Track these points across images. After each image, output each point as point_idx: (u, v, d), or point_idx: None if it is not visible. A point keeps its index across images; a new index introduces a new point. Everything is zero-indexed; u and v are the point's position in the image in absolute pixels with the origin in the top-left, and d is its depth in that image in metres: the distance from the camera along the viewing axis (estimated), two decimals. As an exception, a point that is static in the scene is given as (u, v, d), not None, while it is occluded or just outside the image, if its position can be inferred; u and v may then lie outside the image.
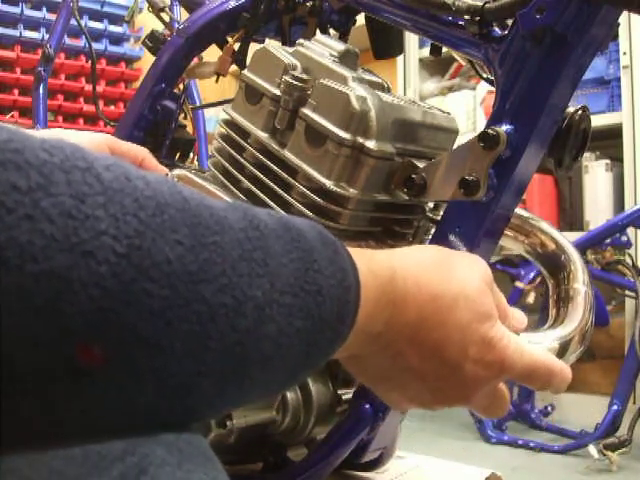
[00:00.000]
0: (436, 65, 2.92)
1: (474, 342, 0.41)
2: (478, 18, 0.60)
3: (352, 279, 0.36)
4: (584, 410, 2.15)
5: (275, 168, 0.65)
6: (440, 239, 0.64)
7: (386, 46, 0.89)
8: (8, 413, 0.24)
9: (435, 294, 0.41)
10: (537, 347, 0.45)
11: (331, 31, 0.88)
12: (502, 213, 0.61)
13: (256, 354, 0.30)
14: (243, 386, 0.31)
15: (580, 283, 0.60)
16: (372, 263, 0.39)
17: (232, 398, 0.31)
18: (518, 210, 0.67)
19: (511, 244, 0.67)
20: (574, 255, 0.62)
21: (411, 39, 2.78)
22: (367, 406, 0.66)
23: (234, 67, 0.90)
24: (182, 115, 0.99)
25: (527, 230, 0.66)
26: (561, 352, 0.51)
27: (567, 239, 0.64)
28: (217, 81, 0.93)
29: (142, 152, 0.71)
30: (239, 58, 0.89)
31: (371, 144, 0.60)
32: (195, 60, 0.96)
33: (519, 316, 0.48)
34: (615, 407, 1.84)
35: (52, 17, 2.37)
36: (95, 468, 0.26)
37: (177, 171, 0.72)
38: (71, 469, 0.26)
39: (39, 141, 0.25)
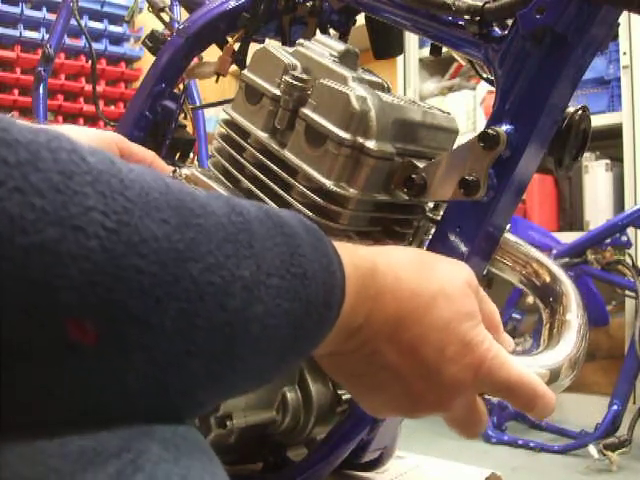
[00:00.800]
0: (436, 65, 2.92)
1: (452, 342, 0.40)
2: (478, 18, 0.60)
3: (336, 266, 0.36)
4: (584, 410, 2.15)
5: (275, 168, 0.65)
6: (440, 239, 0.64)
7: (386, 46, 0.89)
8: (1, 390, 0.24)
9: (414, 291, 0.40)
10: (524, 366, 0.44)
11: (331, 31, 0.88)
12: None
13: (245, 335, 0.30)
14: (234, 368, 0.31)
15: (574, 314, 0.60)
16: (354, 256, 0.38)
17: (224, 381, 0.31)
18: (515, 239, 0.68)
19: (507, 274, 0.68)
20: (569, 286, 0.63)
21: (411, 39, 2.78)
22: (367, 406, 0.66)
23: (234, 67, 0.90)
24: (182, 115, 0.99)
25: (523, 260, 0.66)
26: (551, 379, 0.51)
27: (562, 271, 0.65)
28: (217, 81, 0.93)
29: (150, 154, 0.71)
30: (239, 58, 0.89)
31: (371, 144, 0.60)
32: (195, 60, 0.96)
33: (507, 339, 0.47)
34: (615, 407, 1.84)
35: (52, 17, 2.37)
36: (91, 464, 0.26)
37: (185, 170, 0.72)
38: (67, 466, 0.26)
39: (25, 124, 0.25)
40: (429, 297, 0.40)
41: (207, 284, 0.28)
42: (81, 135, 0.59)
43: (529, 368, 0.48)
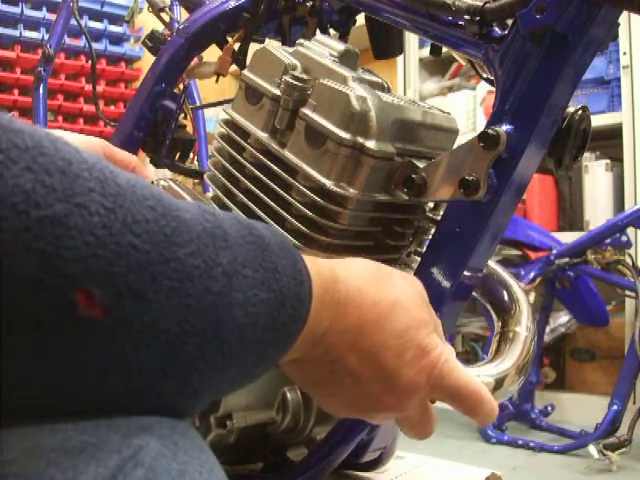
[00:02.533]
0: (436, 65, 2.92)
1: (410, 348, 0.43)
2: (478, 18, 0.60)
3: (302, 265, 0.39)
4: (584, 410, 2.16)
5: (275, 168, 0.65)
6: (440, 239, 0.64)
7: (386, 46, 0.89)
8: (12, 367, 0.26)
9: (374, 301, 0.43)
10: (468, 371, 0.47)
11: (331, 31, 0.88)
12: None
13: (230, 320, 0.33)
14: (223, 353, 0.33)
15: (523, 327, 0.63)
16: (314, 263, 0.40)
17: (216, 368, 0.33)
18: None
19: None
20: (522, 300, 0.66)
21: (411, 39, 2.79)
22: (367, 406, 0.66)
23: (234, 67, 0.90)
24: (182, 115, 0.98)
25: (483, 275, 0.69)
26: (496, 387, 0.56)
27: (522, 289, 0.69)
28: (217, 81, 0.93)
29: (134, 160, 0.74)
30: (239, 58, 0.89)
31: (371, 144, 0.60)
32: (195, 60, 0.96)
33: (449, 347, 0.50)
34: (615, 407, 1.84)
35: (52, 17, 2.37)
36: (92, 458, 0.27)
37: (162, 182, 0.74)
38: (68, 460, 0.27)
39: (22, 121, 0.28)
40: (388, 306, 0.43)
41: (193, 267, 0.31)
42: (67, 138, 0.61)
43: (479, 375, 0.54)
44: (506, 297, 0.68)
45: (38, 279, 0.26)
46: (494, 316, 0.67)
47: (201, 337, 0.31)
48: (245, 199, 0.67)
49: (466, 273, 0.63)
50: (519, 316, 0.65)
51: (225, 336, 0.33)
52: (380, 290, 0.44)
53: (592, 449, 1.76)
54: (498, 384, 0.56)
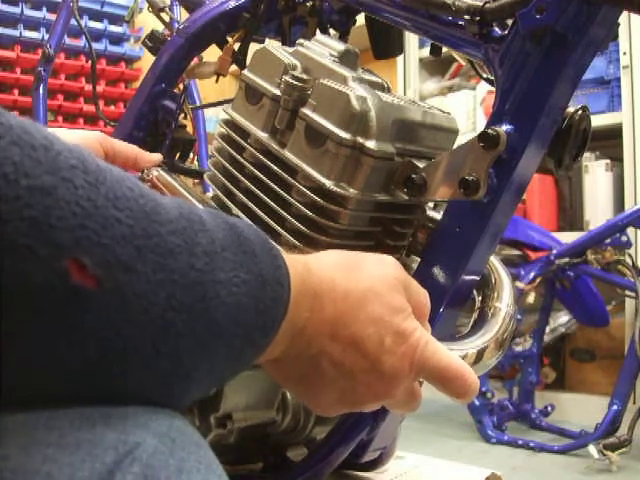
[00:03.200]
0: (436, 65, 2.92)
1: (388, 334, 0.44)
2: (478, 18, 0.60)
3: (278, 251, 0.40)
4: (584, 410, 2.15)
5: (275, 168, 0.65)
6: (440, 239, 0.64)
7: (386, 46, 0.89)
8: (12, 348, 0.27)
9: (347, 291, 0.43)
10: (452, 353, 0.47)
11: (331, 31, 0.88)
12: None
13: (216, 298, 0.34)
14: (212, 331, 0.34)
15: (503, 303, 0.64)
16: (288, 257, 0.41)
17: (206, 349, 0.34)
18: None
19: None
20: (504, 280, 0.67)
21: (411, 39, 2.78)
22: (367, 406, 0.66)
23: (234, 67, 0.90)
24: (182, 115, 0.98)
25: None
26: (477, 359, 0.56)
27: (506, 268, 0.70)
28: (217, 81, 0.93)
29: (135, 148, 0.75)
30: (239, 58, 0.89)
31: (371, 144, 0.60)
32: (195, 60, 0.96)
33: (428, 326, 0.50)
34: (615, 407, 1.84)
35: (52, 17, 2.37)
36: (88, 455, 0.27)
37: (153, 171, 0.74)
38: (65, 456, 0.27)
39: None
40: (361, 295, 0.44)
41: (174, 245, 0.32)
42: (66, 135, 0.61)
43: (458, 349, 0.54)
44: (487, 272, 0.67)
45: (31, 247, 0.27)
46: (474, 291, 0.67)
47: (189, 313, 0.32)
48: (245, 199, 0.67)
49: (466, 273, 0.63)
50: (500, 292, 0.65)
51: (212, 314, 0.33)
52: (352, 280, 0.44)
53: (592, 449, 1.76)
54: (478, 357, 0.56)
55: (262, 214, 0.65)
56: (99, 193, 0.29)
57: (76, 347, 0.29)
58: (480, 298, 0.66)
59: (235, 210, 0.68)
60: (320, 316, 0.42)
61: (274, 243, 0.40)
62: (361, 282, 0.44)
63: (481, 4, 0.59)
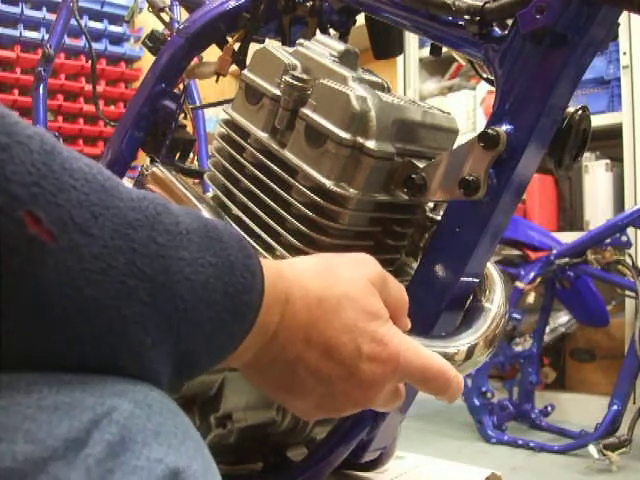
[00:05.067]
0: (436, 65, 2.92)
1: (365, 341, 0.43)
2: (478, 18, 0.60)
3: (247, 243, 0.39)
4: (584, 410, 2.15)
5: (275, 168, 0.65)
6: (440, 239, 0.64)
7: (386, 46, 0.89)
8: None
9: (320, 298, 0.43)
10: (433, 352, 0.47)
11: (331, 31, 0.88)
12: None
13: (178, 272, 0.34)
14: (175, 302, 0.34)
15: (493, 302, 0.64)
16: (261, 261, 0.40)
17: (169, 318, 0.34)
18: None
19: None
20: (497, 279, 0.67)
21: (411, 39, 2.78)
22: (367, 406, 0.66)
23: (234, 67, 0.90)
24: (182, 115, 0.98)
25: None
26: (467, 356, 0.56)
27: (497, 267, 0.69)
28: (217, 81, 0.93)
29: None
30: (239, 58, 0.89)
31: (371, 144, 0.60)
32: (195, 60, 0.96)
33: (406, 321, 0.50)
34: (615, 407, 1.84)
35: (52, 17, 2.37)
36: (66, 415, 0.28)
37: (152, 167, 0.74)
38: (43, 415, 0.28)
39: None
40: (334, 301, 0.43)
41: (134, 219, 0.33)
42: None
43: (448, 346, 0.54)
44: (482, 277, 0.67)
45: None
46: None
47: (152, 283, 0.33)
48: (245, 199, 0.67)
49: (466, 273, 0.63)
50: (490, 290, 0.65)
51: (176, 287, 0.34)
52: (325, 286, 0.43)
53: (592, 449, 1.76)
54: (469, 354, 0.56)
55: (262, 214, 0.65)
56: (54, 161, 0.30)
57: (39, 300, 0.29)
58: (471, 297, 0.66)
59: (235, 210, 0.68)
60: (293, 322, 0.42)
61: (242, 235, 0.40)
62: (335, 287, 0.44)
63: (481, 4, 0.59)
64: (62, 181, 0.30)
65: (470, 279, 0.64)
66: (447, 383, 0.46)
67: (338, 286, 0.44)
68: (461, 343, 0.57)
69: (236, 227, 0.66)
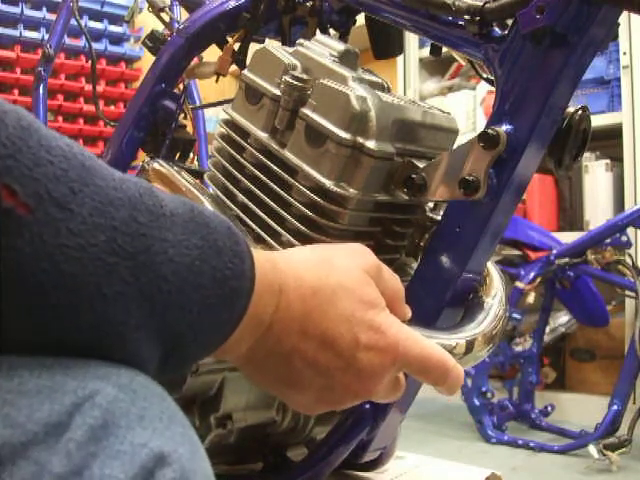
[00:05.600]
0: (436, 65, 2.92)
1: (363, 330, 0.43)
2: (478, 18, 0.60)
3: (236, 229, 0.39)
4: (584, 410, 2.15)
5: (275, 168, 0.65)
6: (440, 239, 0.64)
7: (386, 46, 0.89)
8: None
9: (315, 288, 0.42)
10: (430, 341, 0.46)
11: (331, 31, 0.88)
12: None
13: (162, 252, 0.33)
14: (159, 283, 0.33)
15: (495, 300, 0.63)
16: (254, 251, 0.40)
17: (152, 299, 0.33)
18: None
19: None
20: (497, 278, 0.67)
21: (411, 39, 2.78)
22: (367, 406, 0.66)
23: (234, 67, 0.90)
24: (182, 115, 0.98)
25: None
26: (467, 349, 0.55)
27: (497, 267, 0.69)
28: (217, 81, 0.93)
29: None
30: (239, 58, 0.89)
31: (371, 144, 0.60)
32: (195, 60, 0.96)
33: (406, 309, 0.50)
34: (615, 407, 1.84)
35: (52, 17, 2.37)
36: (47, 398, 0.28)
37: (153, 164, 0.74)
38: (23, 400, 0.27)
39: None
40: (330, 292, 0.43)
41: (115, 198, 0.32)
42: None
43: (448, 338, 0.54)
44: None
45: None
46: None
47: (133, 261, 0.32)
48: (245, 199, 0.67)
49: (466, 273, 0.63)
50: (491, 288, 0.65)
51: (159, 268, 0.33)
52: (320, 276, 0.43)
53: (592, 449, 1.76)
54: (469, 348, 0.56)
55: (262, 214, 0.65)
56: (31, 137, 0.30)
57: (15, 274, 0.29)
58: (472, 292, 0.66)
59: (235, 210, 0.68)
60: (288, 313, 0.41)
61: (234, 227, 0.39)
62: (330, 278, 0.43)
63: (481, 4, 0.59)
64: (38, 156, 0.30)
65: (470, 277, 0.64)
66: (446, 373, 0.45)
67: (333, 276, 0.43)
68: (461, 336, 0.56)
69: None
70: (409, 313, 0.50)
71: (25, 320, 0.30)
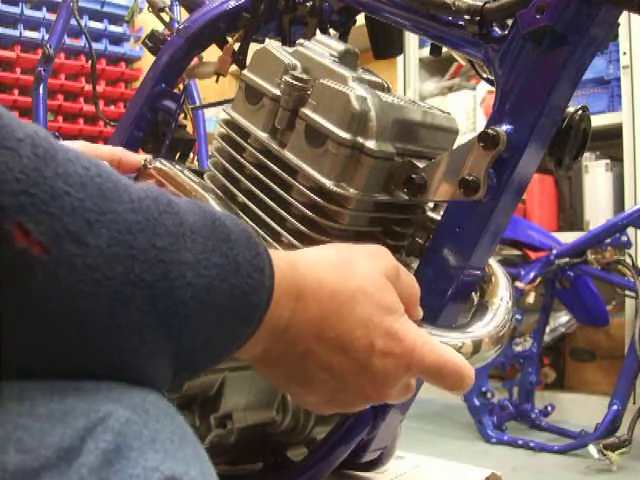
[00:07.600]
0: (436, 65, 2.92)
1: (379, 336, 0.42)
2: (478, 18, 0.60)
3: (257, 239, 0.38)
4: (584, 410, 2.15)
5: (275, 168, 0.65)
6: (440, 239, 0.64)
7: (386, 46, 0.89)
8: None
9: (334, 291, 0.42)
10: (446, 346, 0.46)
11: (331, 31, 0.88)
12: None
13: (181, 279, 0.33)
14: (177, 308, 0.33)
15: (503, 300, 0.63)
16: (273, 254, 0.40)
17: (170, 324, 0.33)
18: None
19: None
20: (502, 279, 0.67)
21: (411, 39, 2.78)
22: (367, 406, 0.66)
23: (234, 67, 0.90)
24: (182, 115, 0.99)
25: None
26: (474, 350, 0.55)
27: (503, 268, 0.69)
28: (217, 81, 0.93)
29: (119, 149, 0.73)
30: (239, 58, 0.89)
31: (371, 144, 0.60)
32: (195, 60, 0.96)
33: (419, 311, 0.49)
34: (615, 407, 1.84)
35: (52, 17, 2.37)
36: (59, 422, 0.28)
37: (156, 162, 0.73)
38: (36, 424, 0.27)
39: None
40: (349, 295, 0.42)
41: (133, 222, 0.31)
42: None
43: (456, 338, 0.54)
44: (488, 274, 0.67)
45: None
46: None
47: (151, 290, 0.31)
48: (245, 199, 0.67)
49: (466, 273, 0.63)
50: (497, 289, 0.65)
51: (177, 293, 0.32)
52: (340, 279, 0.43)
53: (592, 449, 1.76)
54: (476, 348, 0.56)
55: (262, 214, 0.65)
56: (47, 165, 0.29)
57: (26, 314, 0.28)
58: (478, 294, 0.66)
59: (235, 210, 0.68)
60: (305, 316, 0.41)
61: (252, 231, 0.39)
62: (350, 281, 0.43)
63: (481, 4, 0.59)
64: (55, 187, 0.29)
65: (471, 277, 0.64)
66: (461, 380, 0.45)
67: (353, 280, 0.43)
68: (468, 336, 0.56)
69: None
70: (421, 314, 0.50)
71: (35, 352, 0.30)
